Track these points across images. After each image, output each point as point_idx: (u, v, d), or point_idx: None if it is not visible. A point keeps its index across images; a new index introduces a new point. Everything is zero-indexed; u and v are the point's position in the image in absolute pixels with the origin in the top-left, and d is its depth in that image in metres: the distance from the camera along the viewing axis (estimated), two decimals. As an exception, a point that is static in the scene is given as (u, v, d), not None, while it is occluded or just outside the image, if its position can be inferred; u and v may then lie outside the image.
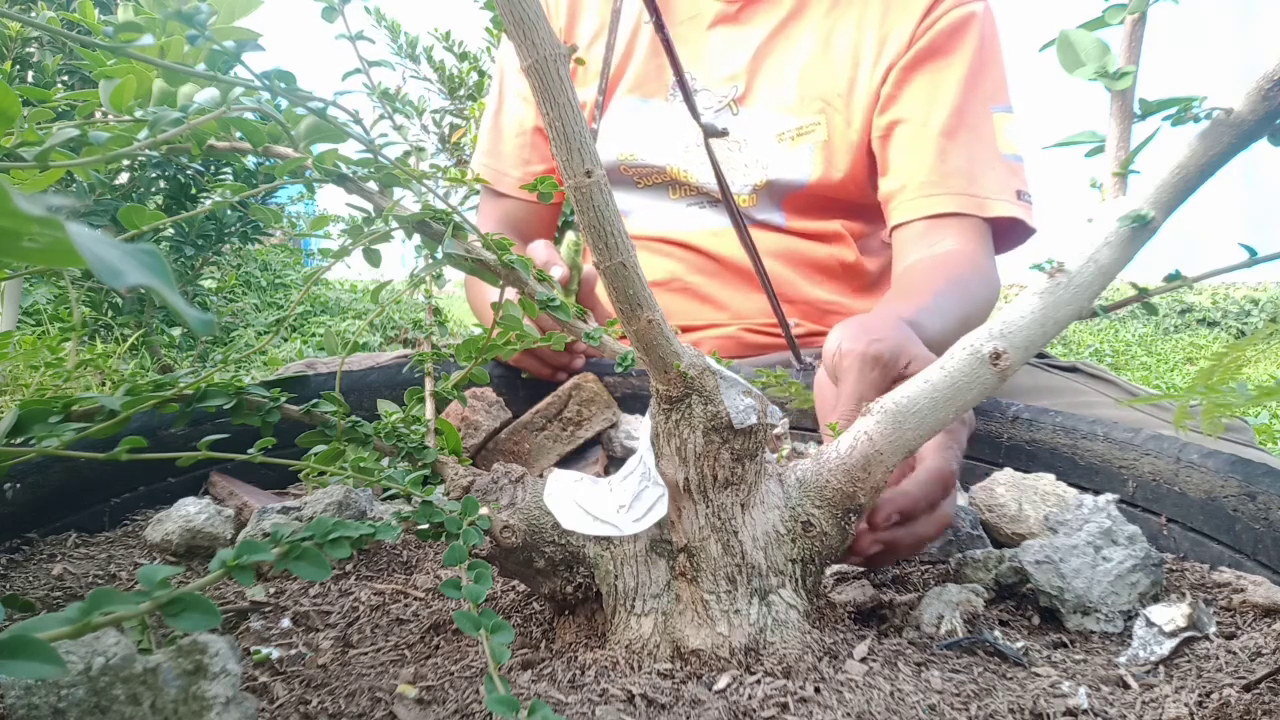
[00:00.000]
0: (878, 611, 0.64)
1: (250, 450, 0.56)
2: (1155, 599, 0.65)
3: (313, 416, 0.61)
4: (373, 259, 0.63)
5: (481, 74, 2.96)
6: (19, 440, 0.49)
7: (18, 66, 1.97)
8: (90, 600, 0.33)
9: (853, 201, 1.32)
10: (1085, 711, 0.49)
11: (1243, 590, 0.65)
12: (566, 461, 0.98)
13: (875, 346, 0.70)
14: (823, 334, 0.93)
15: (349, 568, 0.74)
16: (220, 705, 0.41)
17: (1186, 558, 0.75)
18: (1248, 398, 0.54)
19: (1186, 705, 0.50)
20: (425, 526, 0.53)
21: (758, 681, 0.49)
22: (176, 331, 2.42)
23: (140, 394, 0.54)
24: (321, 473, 0.58)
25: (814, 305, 1.34)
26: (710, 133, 1.18)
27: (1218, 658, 0.57)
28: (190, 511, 0.75)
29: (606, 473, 0.97)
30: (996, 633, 0.62)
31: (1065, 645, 0.61)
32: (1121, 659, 0.58)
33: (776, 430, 0.98)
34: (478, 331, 0.80)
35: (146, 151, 0.52)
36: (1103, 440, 0.84)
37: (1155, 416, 1.06)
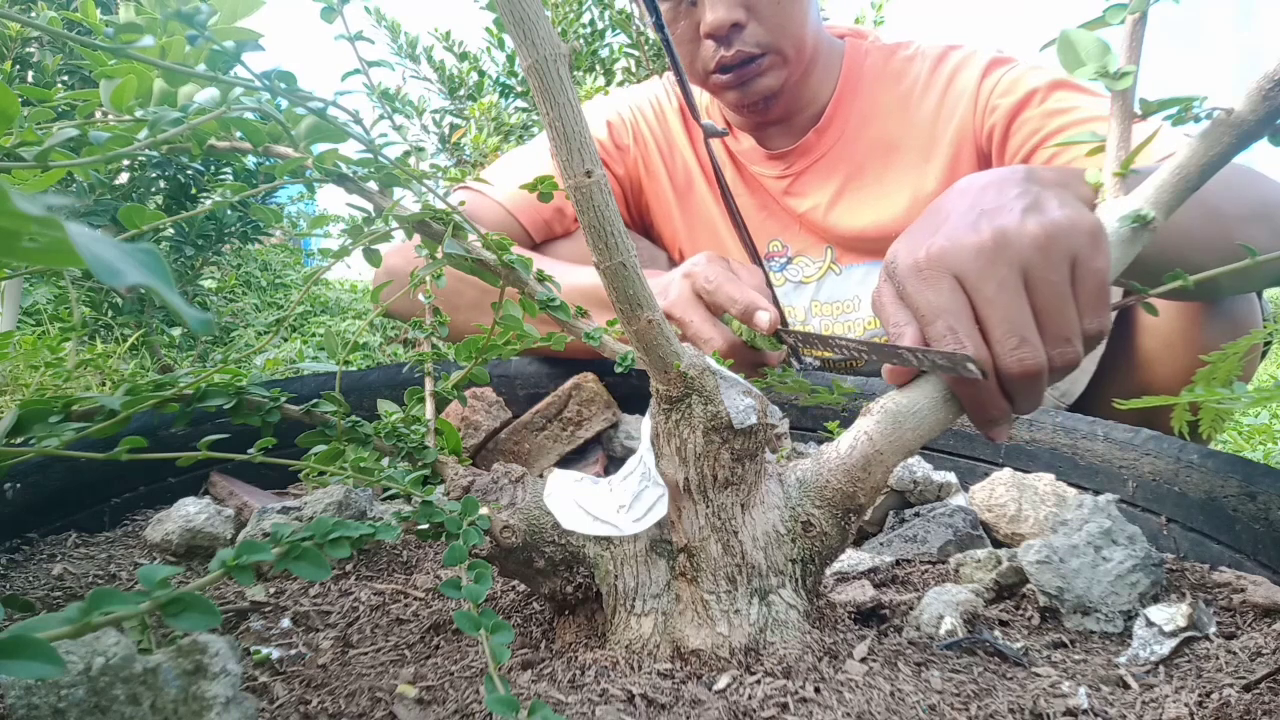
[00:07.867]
0: (878, 611, 0.64)
1: (250, 450, 0.56)
2: (1155, 599, 0.65)
3: (313, 416, 0.61)
4: (373, 259, 0.63)
5: (481, 74, 2.96)
6: (19, 440, 0.49)
7: (18, 66, 1.97)
8: (90, 600, 0.33)
9: None
10: (1085, 711, 0.49)
11: (1243, 590, 0.65)
12: (566, 461, 0.98)
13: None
14: None
15: (349, 568, 0.74)
16: (220, 705, 0.41)
17: (1186, 558, 0.75)
18: (1247, 399, 0.54)
19: (1186, 705, 0.50)
20: (425, 526, 0.53)
21: (758, 681, 0.49)
22: (176, 331, 2.41)
23: (140, 394, 0.54)
24: (321, 473, 0.58)
25: None
26: (711, 133, 1.18)
27: (1218, 658, 0.57)
28: (190, 511, 0.75)
29: (606, 473, 0.97)
30: (996, 633, 0.62)
31: (1065, 645, 0.61)
32: (1121, 659, 0.58)
33: (776, 430, 0.98)
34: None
35: (146, 151, 0.52)
36: (1103, 440, 0.84)
37: None
